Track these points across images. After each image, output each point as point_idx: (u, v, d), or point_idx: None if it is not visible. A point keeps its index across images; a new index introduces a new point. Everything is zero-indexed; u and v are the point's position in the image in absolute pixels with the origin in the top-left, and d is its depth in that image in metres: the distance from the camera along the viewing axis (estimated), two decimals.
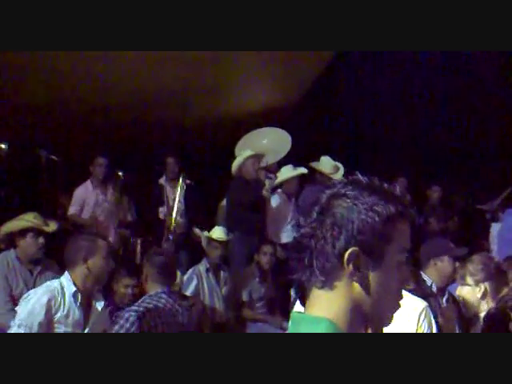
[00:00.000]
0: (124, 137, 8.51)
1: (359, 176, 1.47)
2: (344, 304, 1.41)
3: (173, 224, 7.46)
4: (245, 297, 6.60)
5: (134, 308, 4.14)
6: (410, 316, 2.78)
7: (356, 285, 1.41)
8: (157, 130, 8.67)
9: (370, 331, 1.65)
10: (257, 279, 6.67)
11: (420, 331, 2.80)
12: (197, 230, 7.46)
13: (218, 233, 6.64)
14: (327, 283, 1.41)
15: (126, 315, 4.01)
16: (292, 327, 1.45)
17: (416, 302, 2.90)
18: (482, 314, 3.54)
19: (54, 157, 7.32)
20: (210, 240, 6.60)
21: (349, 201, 1.41)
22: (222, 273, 6.63)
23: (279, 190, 7.87)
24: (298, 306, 2.68)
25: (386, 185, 1.46)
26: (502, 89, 9.09)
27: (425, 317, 2.82)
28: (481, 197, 8.94)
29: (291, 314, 1.47)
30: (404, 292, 2.81)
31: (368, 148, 9.72)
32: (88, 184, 7.48)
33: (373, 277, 1.41)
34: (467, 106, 9.42)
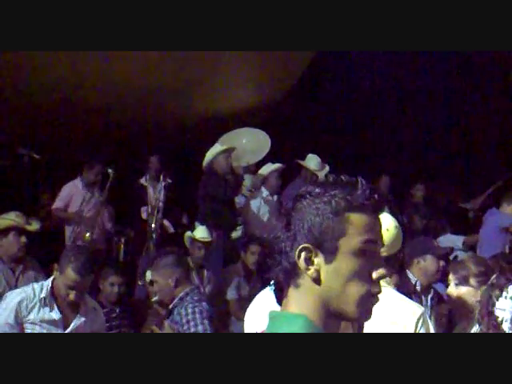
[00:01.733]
0: (108, 136, 8.46)
1: (334, 175, 1.52)
2: (312, 300, 1.46)
3: (154, 223, 7.42)
4: (229, 295, 6.58)
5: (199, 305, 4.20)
6: (407, 321, 2.72)
7: (309, 280, 1.45)
8: (137, 129, 8.62)
9: (353, 327, 1.66)
10: (241, 278, 6.65)
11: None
12: (166, 222, 7.55)
13: (201, 233, 6.61)
14: (293, 282, 1.47)
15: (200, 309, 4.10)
16: (269, 324, 1.48)
17: (413, 307, 2.83)
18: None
19: (35, 155, 7.26)
20: (193, 240, 6.57)
21: (307, 201, 1.48)
22: (205, 272, 6.60)
23: (261, 190, 7.89)
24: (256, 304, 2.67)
25: (348, 179, 1.50)
26: (500, 89, 9.17)
27: (423, 323, 2.74)
28: (464, 195, 9.00)
29: (268, 312, 1.50)
30: (401, 296, 2.79)
31: (352, 146, 9.74)
32: (77, 182, 7.43)
33: (330, 270, 1.45)
34: (453, 105, 9.48)
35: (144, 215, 7.62)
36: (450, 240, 7.48)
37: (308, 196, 1.48)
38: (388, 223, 2.80)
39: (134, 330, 5.42)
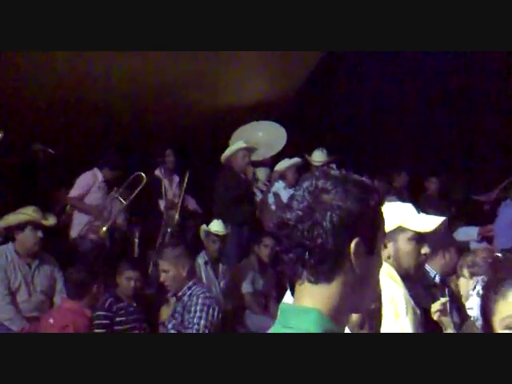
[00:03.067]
0: (123, 132, 8.48)
1: (330, 169, 1.50)
2: (337, 294, 1.42)
3: (176, 218, 7.42)
4: (244, 288, 6.60)
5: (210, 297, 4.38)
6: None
7: (351, 275, 1.41)
8: (153, 125, 8.64)
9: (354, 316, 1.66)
10: (256, 272, 6.67)
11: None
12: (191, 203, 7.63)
13: (216, 226, 6.63)
14: (324, 277, 1.41)
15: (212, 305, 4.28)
16: (281, 317, 1.45)
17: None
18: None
19: (50, 150, 7.28)
20: (209, 233, 6.59)
21: (339, 194, 1.42)
22: (220, 266, 6.62)
23: (279, 183, 7.92)
24: (287, 298, 2.66)
25: (356, 175, 1.48)
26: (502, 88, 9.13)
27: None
28: (479, 188, 8.97)
29: (280, 305, 1.48)
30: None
31: (365, 141, 9.72)
32: (96, 172, 7.21)
33: (367, 264, 1.44)
34: (466, 101, 9.43)
35: (162, 207, 7.59)
36: (466, 232, 7.46)
37: (332, 192, 1.42)
38: None
39: (151, 324, 5.45)
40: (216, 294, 6.40)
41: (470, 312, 3.13)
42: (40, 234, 5.28)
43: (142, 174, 7.17)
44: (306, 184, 1.45)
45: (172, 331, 4.39)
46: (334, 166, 7.97)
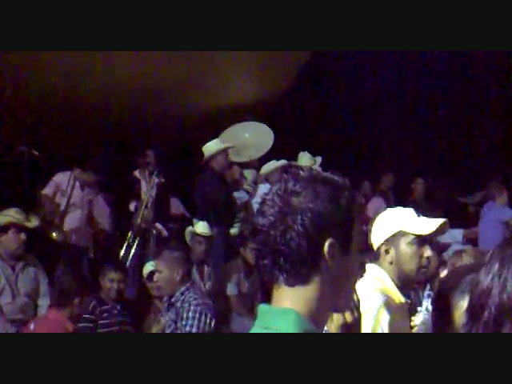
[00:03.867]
0: (107, 132, 8.46)
1: (299, 170, 1.47)
2: (315, 296, 1.42)
3: (140, 218, 7.35)
4: (229, 291, 6.59)
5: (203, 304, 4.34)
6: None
7: (327, 275, 1.41)
8: (136, 123, 8.61)
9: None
10: (241, 274, 6.66)
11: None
12: (158, 225, 7.48)
13: (201, 228, 6.62)
14: (300, 280, 1.41)
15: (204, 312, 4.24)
16: (259, 319, 1.45)
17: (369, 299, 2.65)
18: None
19: (35, 152, 7.22)
20: (194, 235, 6.57)
21: (308, 196, 1.40)
22: (205, 268, 6.60)
23: (265, 185, 7.89)
24: None
25: (326, 173, 1.47)
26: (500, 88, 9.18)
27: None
28: (464, 190, 9.02)
29: (259, 307, 1.47)
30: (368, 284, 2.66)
31: (352, 142, 9.74)
32: (69, 174, 7.06)
33: (343, 264, 1.43)
34: (454, 102, 9.48)
35: (132, 208, 7.52)
36: (451, 234, 7.49)
37: (302, 193, 1.40)
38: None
39: (135, 327, 5.43)
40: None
41: (416, 329, 3.13)
42: (23, 236, 5.22)
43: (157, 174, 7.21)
44: (275, 188, 1.44)
45: None
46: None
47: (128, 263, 6.92)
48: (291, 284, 1.41)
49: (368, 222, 3.75)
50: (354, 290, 1.54)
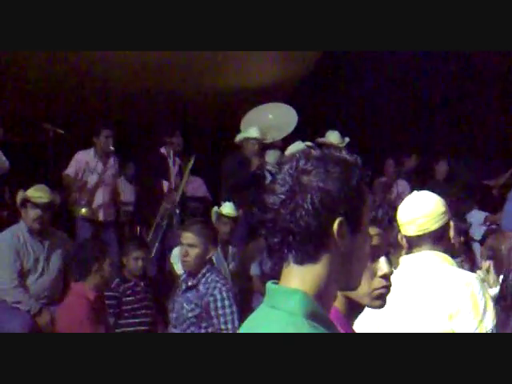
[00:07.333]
0: (128, 110, 8.47)
1: (311, 149, 1.48)
2: (324, 274, 1.43)
3: (176, 200, 7.37)
4: (253, 271, 6.61)
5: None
6: (462, 291, 2.64)
7: (337, 254, 1.42)
8: (161, 104, 8.61)
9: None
10: (264, 254, 6.68)
11: (477, 306, 2.61)
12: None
13: (228, 208, 6.63)
14: (309, 258, 1.42)
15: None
16: (267, 298, 1.46)
17: (466, 275, 2.75)
18: None
19: (60, 130, 7.25)
20: (220, 215, 6.58)
21: (319, 174, 1.41)
22: (230, 248, 6.62)
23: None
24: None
25: (339, 153, 1.47)
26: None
27: (481, 289, 2.65)
28: (487, 172, 8.95)
29: (266, 285, 1.49)
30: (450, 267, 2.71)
31: (375, 124, 9.68)
32: (91, 151, 7.08)
33: (353, 242, 1.44)
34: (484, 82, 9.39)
35: (165, 189, 7.49)
36: (475, 216, 7.47)
37: (312, 172, 1.41)
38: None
39: (157, 304, 5.47)
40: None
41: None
42: (38, 212, 5.20)
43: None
44: (286, 166, 1.44)
45: (189, 330, 4.22)
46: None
47: (157, 243, 6.98)
48: (300, 262, 1.42)
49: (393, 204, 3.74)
50: (364, 269, 1.53)
